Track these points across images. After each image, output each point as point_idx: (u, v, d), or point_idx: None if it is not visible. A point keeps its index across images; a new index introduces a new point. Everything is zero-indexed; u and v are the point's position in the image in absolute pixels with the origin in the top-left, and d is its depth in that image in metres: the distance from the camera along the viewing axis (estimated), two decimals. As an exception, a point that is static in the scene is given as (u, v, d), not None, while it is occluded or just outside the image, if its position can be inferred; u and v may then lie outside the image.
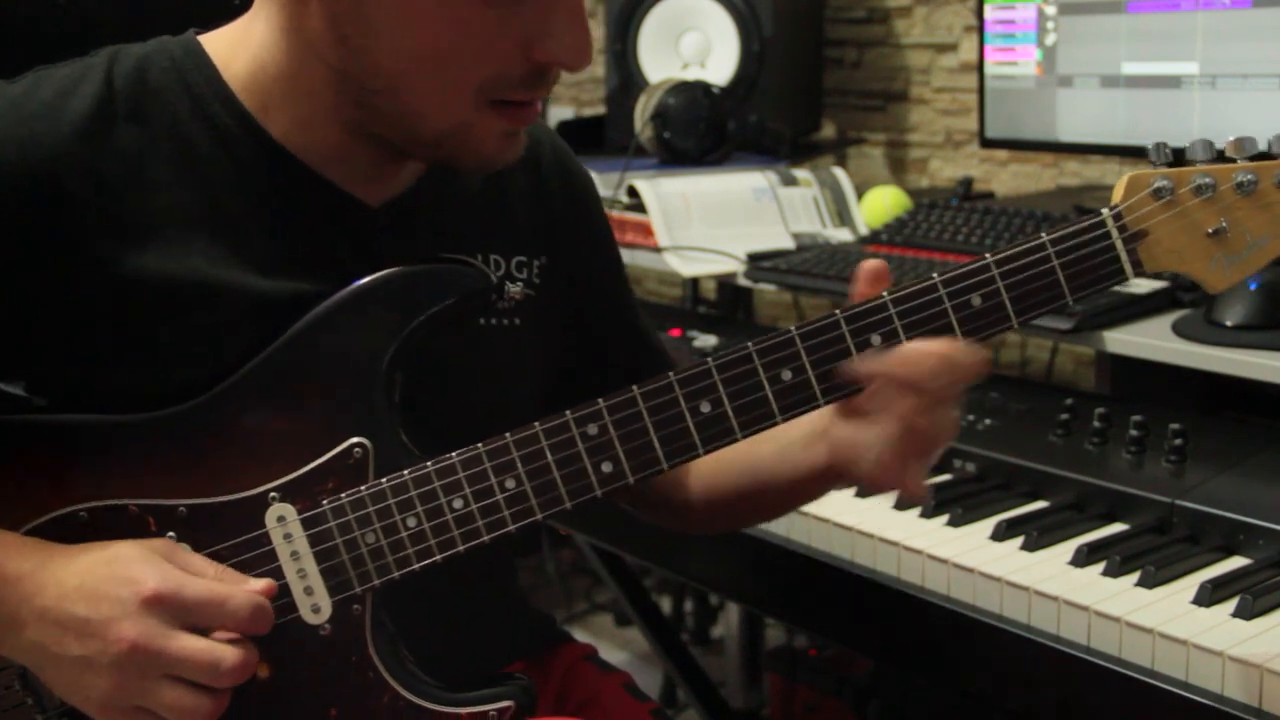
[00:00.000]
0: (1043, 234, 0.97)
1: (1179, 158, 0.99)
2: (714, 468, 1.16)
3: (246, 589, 0.92)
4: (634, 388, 0.96)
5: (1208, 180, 0.96)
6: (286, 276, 0.98)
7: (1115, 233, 0.97)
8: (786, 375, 0.96)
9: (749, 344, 0.96)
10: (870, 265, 0.98)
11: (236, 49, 0.99)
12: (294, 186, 0.99)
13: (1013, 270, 0.96)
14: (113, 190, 0.94)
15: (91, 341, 0.95)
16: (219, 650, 0.89)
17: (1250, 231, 0.97)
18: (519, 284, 1.10)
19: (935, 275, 0.97)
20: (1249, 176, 0.96)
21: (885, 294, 0.96)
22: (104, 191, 0.94)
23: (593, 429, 0.96)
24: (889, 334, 0.96)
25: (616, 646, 2.91)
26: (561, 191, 1.16)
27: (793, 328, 0.97)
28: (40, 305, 0.94)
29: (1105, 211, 0.97)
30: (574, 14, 0.93)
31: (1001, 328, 0.97)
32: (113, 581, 0.89)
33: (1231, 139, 0.97)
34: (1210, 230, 0.97)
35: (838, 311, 0.96)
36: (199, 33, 1.02)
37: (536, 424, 0.96)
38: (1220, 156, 0.98)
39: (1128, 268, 0.97)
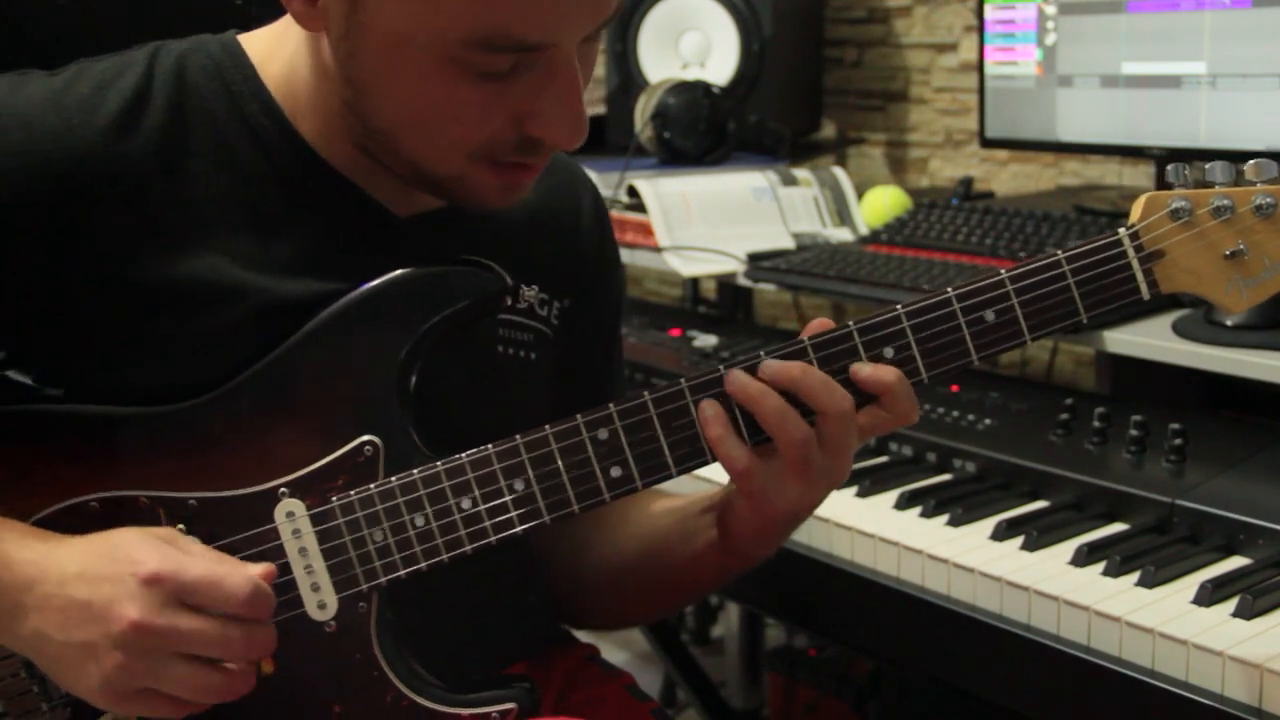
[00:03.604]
0: (1058, 251, 0.97)
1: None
2: (614, 539, 1.17)
3: (246, 572, 0.92)
4: (645, 393, 0.96)
5: (1226, 202, 0.96)
6: (310, 278, 0.98)
7: (1132, 252, 0.97)
8: None
9: (761, 353, 0.96)
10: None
11: (274, 50, 1.00)
12: (324, 190, 1.00)
13: (1027, 287, 0.96)
14: (143, 183, 0.95)
15: (110, 335, 0.95)
16: (227, 623, 0.89)
17: (1269, 255, 0.97)
18: (534, 287, 1.11)
19: (949, 289, 0.97)
20: (1268, 199, 0.96)
21: (900, 306, 0.97)
22: (134, 184, 0.95)
23: (603, 433, 0.96)
24: (901, 347, 0.96)
25: (617, 646, 2.91)
26: (596, 245, 1.18)
27: (805, 338, 0.97)
28: (64, 297, 0.95)
29: (1122, 231, 0.97)
30: (570, 95, 0.91)
31: (1014, 343, 0.97)
32: (113, 563, 0.88)
33: (1251, 162, 0.97)
34: (1228, 252, 0.97)
35: (851, 323, 0.97)
36: (238, 32, 1.03)
37: (547, 427, 0.96)
38: (1239, 178, 0.97)
39: (1143, 288, 0.97)
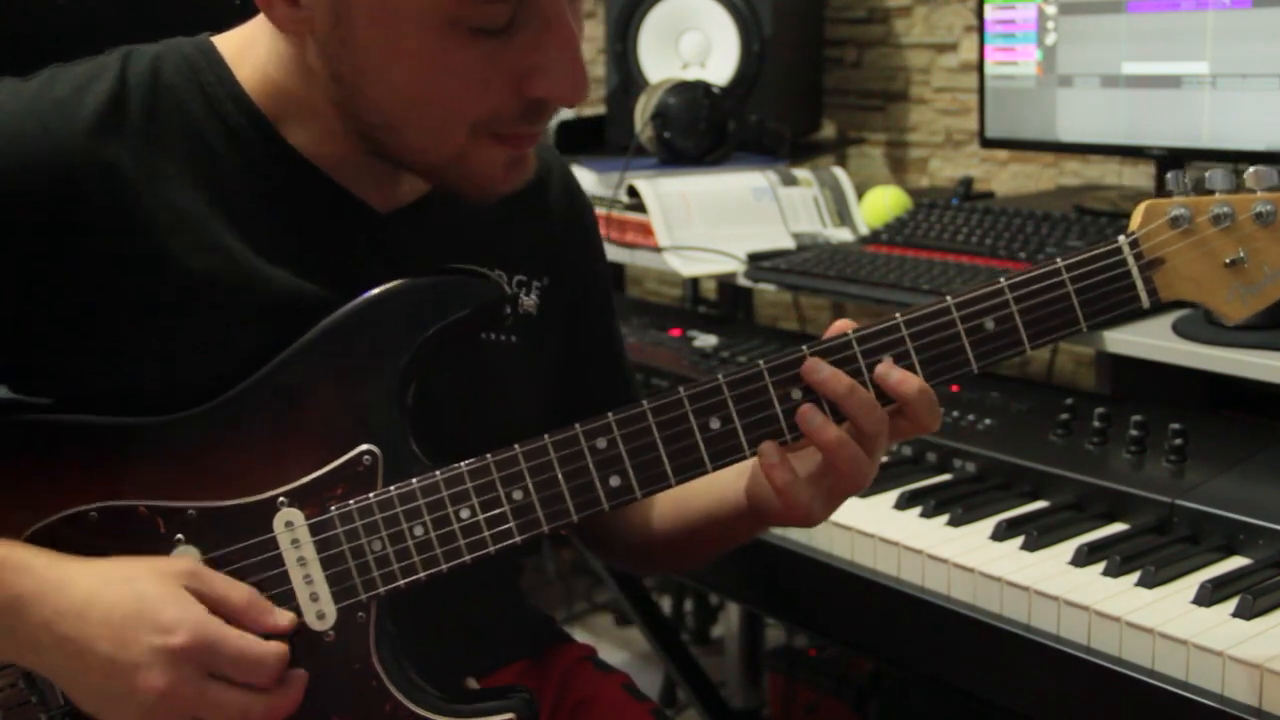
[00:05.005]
0: (1058, 259, 0.97)
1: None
2: (653, 504, 1.18)
3: (276, 633, 0.92)
4: (644, 402, 0.96)
5: (1226, 210, 0.96)
6: (296, 275, 0.99)
7: (1131, 260, 0.97)
8: (796, 394, 0.97)
9: (760, 362, 0.97)
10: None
11: (245, 51, 1.00)
12: (304, 187, 1.00)
13: (1027, 295, 0.97)
14: (125, 185, 0.95)
15: (109, 335, 0.95)
16: (251, 701, 0.90)
17: (1269, 262, 0.97)
18: (532, 296, 1.11)
19: (948, 298, 0.97)
20: (1268, 207, 0.96)
21: (898, 315, 0.97)
22: (117, 186, 0.95)
23: (602, 443, 0.96)
24: (901, 355, 0.96)
25: (616, 646, 2.91)
26: (566, 217, 1.17)
27: (805, 347, 0.97)
28: (52, 299, 0.95)
29: (1122, 239, 0.97)
30: (567, 47, 0.92)
31: (1014, 351, 0.97)
32: (140, 625, 0.87)
33: (1251, 170, 0.97)
34: (1228, 260, 0.97)
35: (850, 332, 0.97)
36: (211, 35, 1.03)
37: (545, 436, 0.96)
38: (1239, 186, 0.97)
39: (1143, 295, 0.97)
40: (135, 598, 0.89)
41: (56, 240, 0.94)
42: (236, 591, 0.93)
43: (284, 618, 0.94)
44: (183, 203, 0.96)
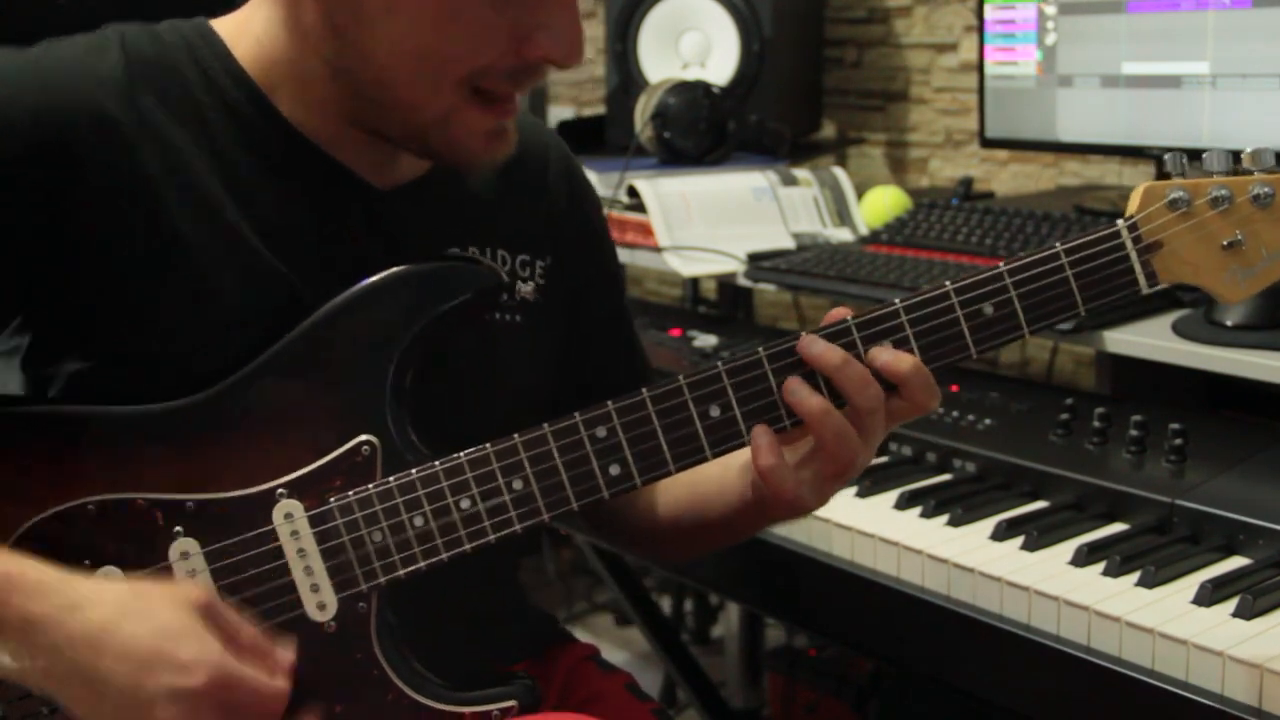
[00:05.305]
0: (1057, 244, 0.97)
1: (1188, 159, 0.99)
2: (660, 490, 1.18)
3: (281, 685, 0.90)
4: (643, 390, 0.96)
5: (1224, 192, 0.96)
6: (294, 250, 0.99)
7: (1130, 244, 0.97)
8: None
9: (759, 349, 0.97)
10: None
11: (242, 30, 1.01)
12: (302, 163, 1.00)
13: (1026, 279, 0.97)
14: (129, 149, 0.95)
15: (111, 304, 0.95)
16: None
17: (1267, 245, 0.97)
18: (530, 283, 1.11)
19: (947, 283, 0.97)
20: (1266, 189, 0.96)
21: (897, 301, 0.97)
22: (121, 148, 0.95)
23: (601, 431, 0.96)
24: (900, 341, 0.96)
25: (617, 646, 2.91)
26: (567, 197, 1.18)
27: (804, 333, 0.97)
28: (64, 263, 0.94)
29: (1120, 222, 0.97)
30: (568, 7, 0.94)
31: (1013, 336, 0.97)
32: (159, 663, 0.84)
33: (1248, 150, 0.97)
34: (1226, 242, 0.97)
35: (849, 319, 0.97)
36: (207, 18, 1.04)
37: (545, 425, 0.96)
38: (1237, 168, 0.97)
39: (1142, 279, 0.97)
40: (154, 633, 0.85)
41: (55, 198, 0.93)
42: (245, 629, 0.91)
43: (285, 659, 0.91)
44: (185, 171, 0.97)
